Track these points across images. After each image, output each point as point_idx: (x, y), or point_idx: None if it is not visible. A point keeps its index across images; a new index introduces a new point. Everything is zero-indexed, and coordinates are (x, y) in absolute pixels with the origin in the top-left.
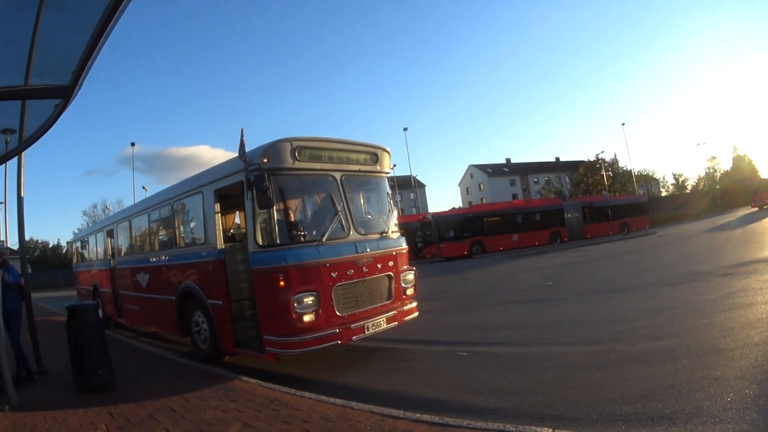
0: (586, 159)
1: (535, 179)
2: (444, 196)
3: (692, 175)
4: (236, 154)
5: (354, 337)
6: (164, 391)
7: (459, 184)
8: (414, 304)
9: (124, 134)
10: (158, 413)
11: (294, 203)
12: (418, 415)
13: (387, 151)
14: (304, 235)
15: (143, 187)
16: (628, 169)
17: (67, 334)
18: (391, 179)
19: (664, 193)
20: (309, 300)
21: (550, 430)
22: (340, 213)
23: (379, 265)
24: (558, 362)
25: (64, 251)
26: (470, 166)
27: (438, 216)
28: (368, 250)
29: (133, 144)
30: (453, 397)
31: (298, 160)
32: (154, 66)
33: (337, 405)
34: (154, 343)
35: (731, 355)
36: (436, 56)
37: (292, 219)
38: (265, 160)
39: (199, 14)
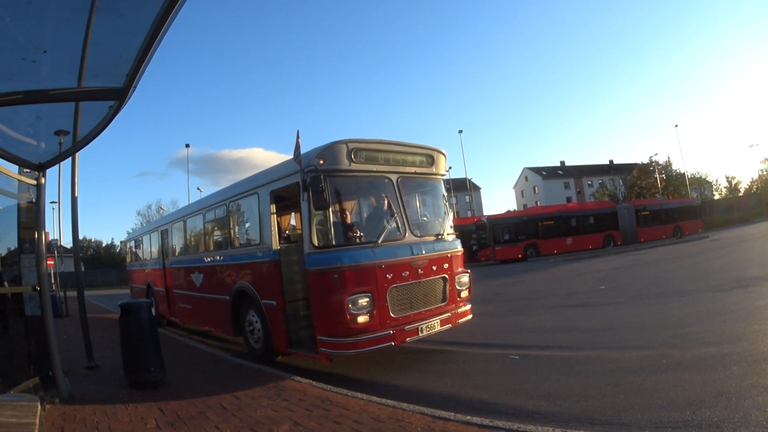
0: (639, 161)
1: (589, 182)
2: (499, 199)
3: (745, 177)
4: (290, 156)
5: (408, 339)
6: (215, 389)
7: (514, 187)
8: (468, 307)
9: (176, 137)
10: (209, 410)
11: (350, 205)
12: (468, 417)
13: (443, 153)
14: (360, 237)
15: (198, 188)
16: (682, 171)
17: (119, 330)
18: (447, 181)
19: (717, 197)
20: (364, 301)
21: None
22: (395, 215)
23: (434, 267)
24: (609, 366)
25: (117, 250)
26: (525, 169)
27: (493, 219)
28: (423, 252)
29: (187, 145)
30: (504, 400)
31: (354, 162)
32: (208, 68)
33: (388, 406)
34: (206, 341)
35: None
36: (491, 58)
37: (348, 220)
38: (321, 162)
39: (253, 17)
